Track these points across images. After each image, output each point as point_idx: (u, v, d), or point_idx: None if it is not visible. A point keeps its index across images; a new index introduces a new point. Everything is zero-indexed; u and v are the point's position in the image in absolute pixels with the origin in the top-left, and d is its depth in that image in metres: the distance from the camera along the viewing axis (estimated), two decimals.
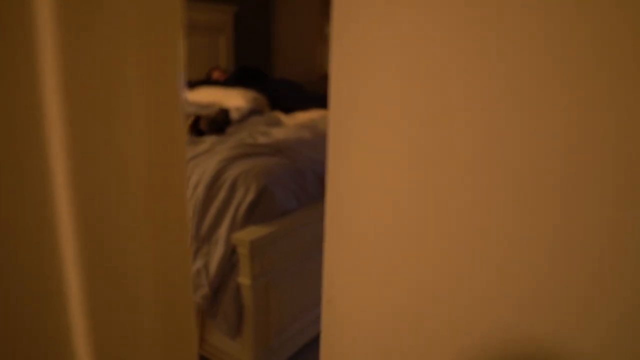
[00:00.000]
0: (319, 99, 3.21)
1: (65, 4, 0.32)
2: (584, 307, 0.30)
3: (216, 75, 3.88)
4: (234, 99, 3.07)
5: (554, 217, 0.31)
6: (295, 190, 1.91)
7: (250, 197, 1.74)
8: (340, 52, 0.39)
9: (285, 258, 1.86)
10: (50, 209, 0.35)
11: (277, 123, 2.74)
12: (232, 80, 3.59)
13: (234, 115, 2.74)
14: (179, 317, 0.43)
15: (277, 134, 2.32)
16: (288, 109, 3.13)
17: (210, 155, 1.95)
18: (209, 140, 2.19)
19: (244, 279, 1.72)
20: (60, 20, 0.32)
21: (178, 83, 0.40)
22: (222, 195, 1.81)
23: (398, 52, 0.36)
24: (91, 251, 0.36)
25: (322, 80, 4.55)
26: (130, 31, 0.36)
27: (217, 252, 1.80)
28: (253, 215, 1.76)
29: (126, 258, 0.38)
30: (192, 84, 3.56)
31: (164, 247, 0.40)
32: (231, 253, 1.77)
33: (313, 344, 2.13)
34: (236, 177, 1.79)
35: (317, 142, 2.19)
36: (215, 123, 2.32)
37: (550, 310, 0.31)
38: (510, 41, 0.31)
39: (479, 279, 0.34)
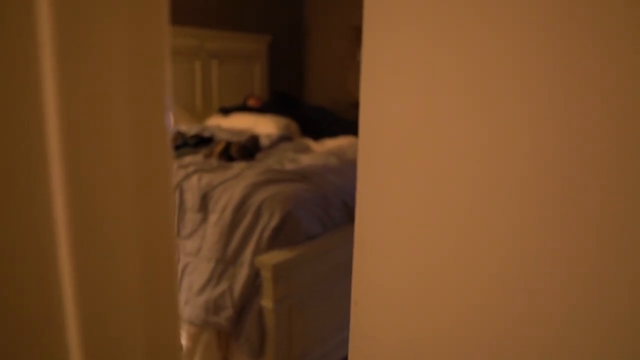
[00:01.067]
0: (349, 126, 3.26)
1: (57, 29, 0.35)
2: None
3: (251, 102, 3.99)
4: (266, 126, 3.16)
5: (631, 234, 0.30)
6: (320, 215, 1.95)
7: (274, 221, 1.79)
8: (370, 79, 0.42)
9: (309, 283, 1.88)
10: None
11: (306, 149, 2.80)
12: (266, 107, 3.70)
13: (265, 141, 2.82)
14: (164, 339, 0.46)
15: (305, 160, 2.37)
16: (318, 136, 3.20)
17: (238, 180, 2.02)
18: (238, 166, 2.26)
19: (266, 302, 1.75)
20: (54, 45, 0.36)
21: (165, 112, 0.43)
22: (247, 219, 1.86)
23: (428, 77, 0.38)
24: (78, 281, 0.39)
25: (354, 106, 4.62)
26: (117, 57, 0.39)
27: (242, 274, 1.84)
28: (277, 239, 1.80)
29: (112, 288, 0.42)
30: (228, 111, 3.69)
31: (150, 274, 0.43)
32: (255, 276, 1.81)
33: None
34: (262, 202, 1.84)
35: (343, 169, 2.24)
36: (245, 149, 2.40)
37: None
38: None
39: (522, 309, 0.34)
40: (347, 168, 2.26)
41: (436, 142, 0.38)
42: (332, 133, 3.16)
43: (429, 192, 0.40)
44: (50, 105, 0.36)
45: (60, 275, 0.38)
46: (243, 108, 3.78)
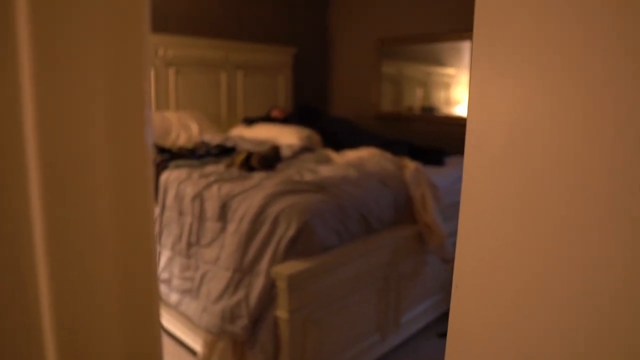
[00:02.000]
0: (371, 137, 3.26)
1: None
2: None
3: (275, 113, 4.04)
4: (288, 137, 3.19)
5: None
6: (336, 227, 1.95)
7: (291, 232, 1.80)
8: (478, 84, 0.42)
9: (325, 294, 1.88)
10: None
11: (327, 160, 2.81)
12: (290, 118, 3.74)
13: (286, 152, 2.85)
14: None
15: (324, 171, 2.38)
16: (340, 147, 3.21)
17: (257, 190, 2.04)
18: (258, 176, 2.29)
19: (281, 312, 1.76)
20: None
21: (146, 123, 0.44)
22: (265, 229, 1.88)
23: (533, 80, 0.38)
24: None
25: (377, 118, 4.62)
26: (96, 67, 0.40)
27: (258, 284, 1.86)
28: (294, 249, 1.81)
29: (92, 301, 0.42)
30: (251, 121, 3.74)
31: (129, 286, 0.44)
32: (271, 286, 1.82)
33: None
34: (279, 212, 1.86)
35: (362, 180, 2.23)
36: (266, 160, 2.43)
37: None
38: None
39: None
40: (365, 180, 2.25)
41: (538, 145, 0.38)
42: (354, 144, 3.16)
43: (529, 191, 0.41)
44: (28, 123, 0.36)
45: (38, 301, 0.38)
46: (267, 119, 3.83)
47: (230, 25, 4.12)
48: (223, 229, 2.09)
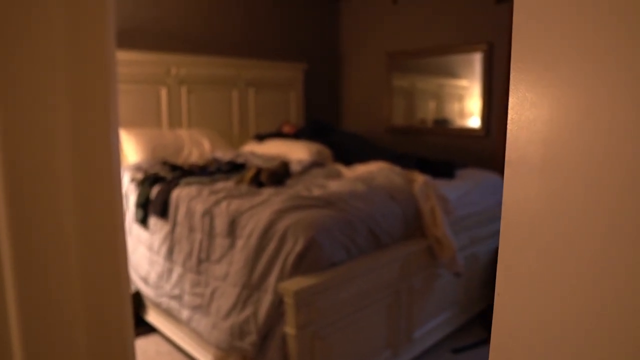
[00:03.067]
0: (382, 152, 3.25)
1: None
2: None
3: (286, 129, 4.07)
4: (299, 152, 3.21)
5: None
6: (344, 242, 1.95)
7: (298, 248, 1.80)
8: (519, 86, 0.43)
9: (333, 310, 1.87)
10: None
11: (336, 175, 2.82)
12: (301, 133, 3.76)
13: (296, 167, 2.86)
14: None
15: (333, 186, 2.39)
16: (350, 161, 3.22)
17: (265, 206, 2.06)
18: (267, 192, 2.30)
19: (289, 328, 1.75)
20: None
21: (112, 139, 0.44)
22: (272, 245, 1.88)
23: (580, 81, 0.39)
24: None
25: (389, 132, 4.62)
26: (59, 84, 0.40)
27: (266, 300, 1.86)
28: (301, 265, 1.81)
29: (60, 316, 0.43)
30: (262, 137, 3.77)
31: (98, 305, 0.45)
32: (279, 302, 1.82)
33: None
34: (286, 228, 1.87)
35: (370, 195, 2.23)
36: (275, 176, 2.45)
37: None
38: None
39: None
40: (374, 194, 2.25)
41: (581, 154, 0.38)
42: (364, 159, 3.17)
43: (571, 199, 0.40)
44: None
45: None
46: (278, 134, 3.86)
47: (241, 43, 4.18)
48: (232, 245, 2.10)
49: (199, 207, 2.31)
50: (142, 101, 3.52)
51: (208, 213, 2.25)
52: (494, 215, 2.92)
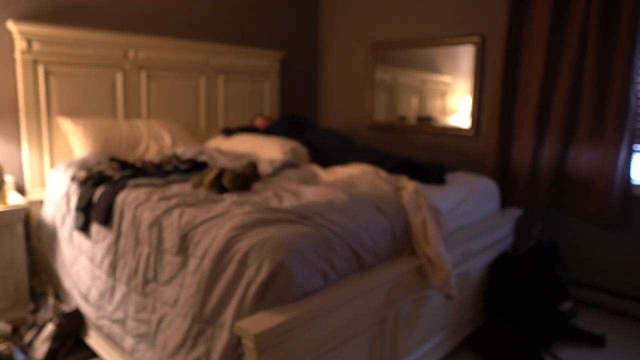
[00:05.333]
0: (364, 152, 2.90)
1: None
2: None
3: (258, 122, 3.69)
4: (271, 150, 2.84)
5: None
6: (320, 266, 1.59)
7: (262, 275, 1.44)
8: None
9: (307, 349, 1.51)
10: None
11: (312, 178, 2.45)
12: (274, 129, 3.38)
13: (266, 168, 2.49)
14: None
15: (308, 193, 2.02)
16: (328, 162, 2.85)
17: (224, 219, 1.68)
18: (228, 200, 1.93)
19: None
20: None
21: None
22: (231, 270, 1.51)
23: None
24: None
25: (371, 128, 4.27)
26: None
27: (222, 339, 1.49)
28: (266, 297, 1.44)
29: None
30: (230, 132, 3.37)
31: None
32: (237, 342, 1.45)
33: None
34: (248, 249, 1.50)
35: (352, 206, 1.88)
36: (240, 179, 2.07)
37: None
38: None
39: None
40: (357, 205, 1.90)
41: None
42: (344, 159, 2.81)
43: None
44: None
45: None
46: (249, 129, 3.47)
47: (210, 26, 3.76)
48: (184, 265, 1.72)
49: (146, 215, 1.92)
50: (94, 87, 3.09)
51: (156, 223, 1.86)
52: (488, 226, 2.61)
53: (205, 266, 1.57)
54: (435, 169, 2.69)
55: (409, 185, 2.15)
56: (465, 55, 3.61)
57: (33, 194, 2.88)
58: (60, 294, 2.62)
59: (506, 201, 3.22)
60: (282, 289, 1.45)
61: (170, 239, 1.77)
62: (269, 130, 3.39)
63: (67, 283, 2.51)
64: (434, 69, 3.85)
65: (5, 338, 2.41)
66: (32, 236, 2.93)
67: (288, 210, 1.69)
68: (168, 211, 1.85)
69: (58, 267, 2.61)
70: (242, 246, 1.51)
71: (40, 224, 2.80)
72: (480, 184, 2.75)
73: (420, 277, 2.03)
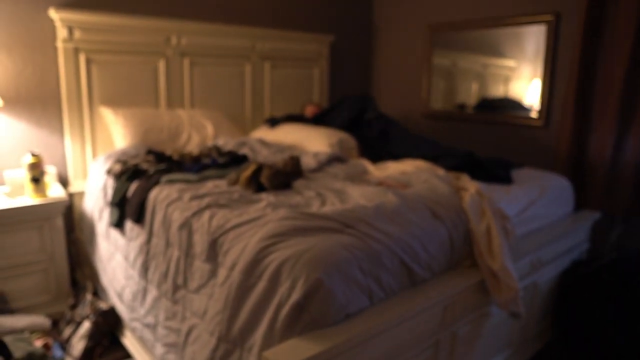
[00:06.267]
0: (420, 145, 2.62)
1: None
2: None
3: (309, 111, 3.47)
4: (316, 142, 2.62)
5: None
6: (365, 283, 1.36)
7: (296, 295, 1.23)
8: None
9: None
10: None
11: (361, 175, 2.22)
12: (326, 115, 3.09)
13: (310, 162, 2.28)
14: None
15: (354, 194, 1.79)
16: (380, 155, 2.60)
17: (256, 225, 1.48)
18: (265, 200, 1.73)
19: None
20: None
21: None
22: (261, 286, 1.32)
23: None
24: None
25: (427, 117, 3.96)
26: None
27: None
28: (300, 321, 1.24)
29: None
30: (275, 121, 3.18)
31: None
32: None
33: None
34: (281, 263, 1.29)
35: (403, 211, 1.63)
36: (279, 176, 1.87)
37: None
38: None
39: None
40: (409, 209, 1.65)
41: None
42: (399, 151, 2.55)
43: None
44: None
45: None
46: (296, 118, 3.26)
47: (256, 9, 3.57)
48: (213, 274, 1.55)
49: (176, 216, 1.76)
50: (136, 75, 2.98)
51: (186, 225, 1.70)
52: (561, 231, 2.28)
53: (233, 279, 1.38)
54: (501, 165, 2.38)
55: (470, 186, 1.87)
56: (532, 36, 3.23)
57: (76, 185, 2.82)
58: (98, 290, 2.55)
59: (580, 202, 2.84)
60: (320, 311, 1.24)
61: (200, 243, 1.61)
62: (319, 118, 3.14)
63: (104, 279, 2.42)
64: (496, 52, 3.48)
65: (45, 332, 2.36)
66: (76, 228, 2.89)
67: (329, 217, 1.47)
68: (199, 212, 1.68)
69: (96, 262, 2.54)
70: (274, 259, 1.31)
71: (82, 216, 2.74)
72: (552, 183, 2.41)
73: (480, 293, 1.76)
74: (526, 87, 3.34)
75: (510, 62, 3.42)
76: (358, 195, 1.76)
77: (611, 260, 2.33)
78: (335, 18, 4.06)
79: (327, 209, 1.61)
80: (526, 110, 3.34)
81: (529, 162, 3.13)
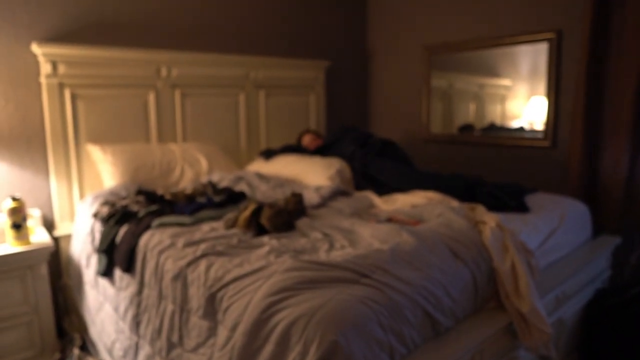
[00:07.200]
0: (424, 176, 2.46)
1: None
2: None
3: (306, 141, 3.30)
4: (314, 174, 2.48)
5: None
6: (385, 340, 1.20)
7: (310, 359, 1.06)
8: None
9: None
10: None
11: (368, 209, 2.07)
12: (335, 146, 2.92)
13: (312, 198, 2.13)
14: None
15: (365, 234, 1.63)
16: (383, 186, 2.45)
17: (260, 277, 1.32)
18: (267, 245, 1.57)
19: None
20: None
21: None
22: (268, 350, 1.15)
23: None
24: None
25: (428, 141, 3.84)
26: None
27: None
28: None
29: None
30: (270, 153, 3.04)
31: None
32: None
33: None
34: (290, 324, 1.13)
35: (422, 252, 1.47)
36: (281, 217, 1.71)
37: None
38: None
39: None
40: (427, 250, 1.49)
41: None
42: (403, 182, 2.41)
43: None
44: None
45: None
46: (292, 149, 3.12)
47: (249, 38, 3.47)
48: (212, 332, 1.38)
49: (169, 265, 1.60)
50: (124, 110, 2.84)
51: (181, 276, 1.53)
52: (583, 260, 2.13)
53: (236, 342, 1.21)
54: (514, 192, 2.24)
55: (489, 219, 1.72)
56: (528, 55, 3.16)
57: (62, 228, 2.65)
58: (87, 343, 2.35)
59: (595, 225, 2.69)
60: None
61: (196, 297, 1.44)
62: (321, 150, 2.99)
63: (93, 332, 2.24)
64: (492, 71, 3.40)
65: None
66: (63, 273, 2.70)
67: (342, 265, 1.31)
68: (194, 261, 1.52)
69: (85, 313, 2.35)
70: (282, 318, 1.15)
71: (70, 261, 2.56)
72: (570, 209, 2.27)
73: (508, 337, 1.60)
74: (523, 105, 3.25)
75: (505, 81, 3.33)
76: (369, 236, 1.60)
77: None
78: (331, 43, 3.97)
79: (338, 253, 1.45)
80: (531, 131, 3.23)
81: (538, 185, 2.99)
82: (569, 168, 2.91)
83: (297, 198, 1.90)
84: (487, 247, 1.60)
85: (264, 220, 1.70)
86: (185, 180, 2.74)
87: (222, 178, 2.57)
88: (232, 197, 2.13)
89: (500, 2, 3.29)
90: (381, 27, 4.12)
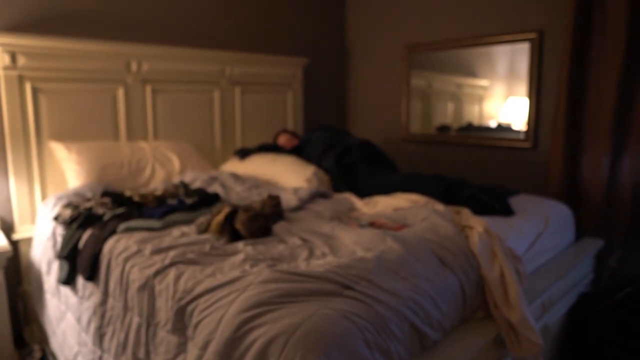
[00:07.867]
0: (406, 181, 2.37)
1: None
2: None
3: (282, 140, 3.19)
4: (290, 176, 2.37)
5: None
6: (372, 358, 1.10)
7: None
8: None
9: None
10: None
11: (348, 212, 1.97)
12: (310, 146, 2.83)
13: (290, 200, 2.02)
14: None
15: (346, 240, 1.54)
16: (360, 187, 2.36)
17: (234, 289, 1.21)
18: (242, 252, 1.46)
19: None
20: None
21: None
22: None
23: None
24: None
25: (406, 142, 3.77)
26: None
27: None
28: None
29: None
30: (245, 153, 2.92)
31: None
32: None
33: None
34: (267, 342, 1.02)
35: (408, 260, 1.38)
36: (256, 221, 1.60)
37: None
38: None
39: None
40: (413, 258, 1.40)
41: None
42: (382, 183, 2.32)
43: None
44: None
45: None
46: (268, 148, 3.00)
47: (225, 32, 3.33)
48: (182, 347, 1.26)
49: (135, 274, 1.47)
50: (91, 105, 2.68)
51: (147, 287, 1.41)
52: (568, 264, 2.09)
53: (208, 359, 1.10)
54: (496, 194, 2.18)
55: (476, 224, 1.64)
56: (505, 55, 3.13)
57: (23, 231, 2.48)
58: (47, 355, 2.19)
59: (576, 227, 2.66)
60: None
61: (164, 310, 1.32)
62: (296, 149, 2.90)
63: (54, 343, 2.08)
64: (470, 71, 3.36)
65: None
66: (23, 279, 2.53)
67: (323, 277, 1.21)
68: (162, 270, 1.40)
69: (45, 323, 2.19)
70: (258, 336, 1.04)
71: (30, 266, 2.39)
72: (554, 211, 2.22)
73: (497, 348, 1.52)
74: (500, 105, 3.22)
75: (483, 82, 3.30)
76: (351, 242, 1.50)
77: (626, 294, 2.13)
78: (309, 40, 3.86)
79: (318, 262, 1.35)
80: (512, 132, 3.19)
81: (519, 186, 2.94)
82: (550, 169, 2.87)
83: (274, 201, 1.79)
84: (475, 253, 1.52)
85: (239, 224, 1.59)
86: (156, 180, 2.60)
87: (195, 178, 2.44)
88: (205, 199, 2.00)
89: (482, 1, 3.24)
90: (361, 25, 4.03)
